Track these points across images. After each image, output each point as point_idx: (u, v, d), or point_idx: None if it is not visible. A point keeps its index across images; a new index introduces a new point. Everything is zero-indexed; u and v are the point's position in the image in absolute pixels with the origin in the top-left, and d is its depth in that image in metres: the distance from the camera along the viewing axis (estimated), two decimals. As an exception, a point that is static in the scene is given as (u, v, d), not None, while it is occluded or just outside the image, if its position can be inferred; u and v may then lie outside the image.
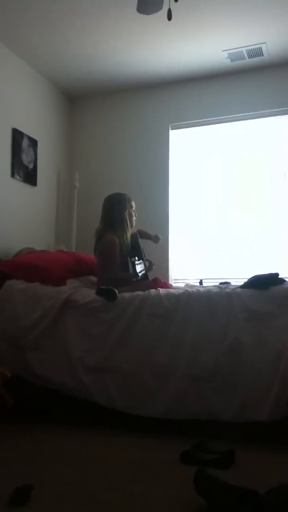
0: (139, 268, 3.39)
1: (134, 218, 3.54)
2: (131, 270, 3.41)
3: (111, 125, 4.81)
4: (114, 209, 3.46)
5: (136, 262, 3.38)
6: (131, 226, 3.52)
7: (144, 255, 3.57)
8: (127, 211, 3.46)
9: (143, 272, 3.44)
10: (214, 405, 2.57)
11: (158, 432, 2.64)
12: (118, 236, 3.36)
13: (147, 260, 3.57)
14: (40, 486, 1.96)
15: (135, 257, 3.42)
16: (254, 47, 3.92)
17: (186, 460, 2.26)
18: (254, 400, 2.49)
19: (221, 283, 3.29)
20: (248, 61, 4.16)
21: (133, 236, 3.55)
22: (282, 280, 2.81)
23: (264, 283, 2.77)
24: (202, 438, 2.45)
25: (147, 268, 3.52)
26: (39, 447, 2.49)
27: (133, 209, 3.53)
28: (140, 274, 3.36)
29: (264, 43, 3.86)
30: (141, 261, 3.47)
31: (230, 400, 2.54)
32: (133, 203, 3.53)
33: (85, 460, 2.32)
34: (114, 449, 2.46)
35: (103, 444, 2.54)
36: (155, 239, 3.82)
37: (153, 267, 3.59)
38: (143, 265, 3.47)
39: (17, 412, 2.81)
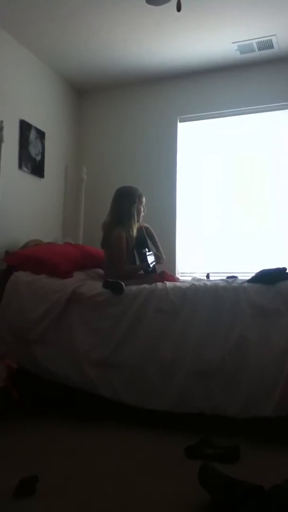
0: (151, 259, 3.38)
1: (142, 214, 3.52)
2: (138, 262, 3.40)
3: (119, 118, 4.79)
4: (124, 202, 3.44)
5: (147, 253, 3.37)
6: (138, 221, 3.49)
7: (150, 249, 3.56)
8: (135, 205, 3.44)
9: (154, 263, 3.43)
10: (219, 400, 2.57)
11: (163, 427, 2.65)
12: (125, 230, 3.35)
13: (155, 253, 3.56)
14: (45, 478, 1.97)
15: (145, 248, 3.41)
16: (264, 39, 3.87)
17: (191, 454, 2.26)
18: (259, 396, 2.49)
19: (228, 277, 3.27)
20: (258, 53, 4.10)
21: (140, 230, 3.53)
22: (290, 275, 2.79)
23: (271, 278, 2.75)
24: (207, 433, 2.45)
25: (157, 260, 3.51)
26: (43, 440, 2.51)
27: (143, 204, 3.51)
28: (151, 265, 3.35)
29: (275, 35, 3.81)
30: (151, 252, 3.46)
31: (235, 396, 2.54)
32: (143, 199, 3.51)
33: (89, 453, 2.33)
34: (119, 443, 2.47)
35: (108, 437, 2.55)
36: (158, 258, 3.56)
37: (162, 261, 3.58)
38: (153, 256, 3.46)
39: (22, 405, 2.83)
